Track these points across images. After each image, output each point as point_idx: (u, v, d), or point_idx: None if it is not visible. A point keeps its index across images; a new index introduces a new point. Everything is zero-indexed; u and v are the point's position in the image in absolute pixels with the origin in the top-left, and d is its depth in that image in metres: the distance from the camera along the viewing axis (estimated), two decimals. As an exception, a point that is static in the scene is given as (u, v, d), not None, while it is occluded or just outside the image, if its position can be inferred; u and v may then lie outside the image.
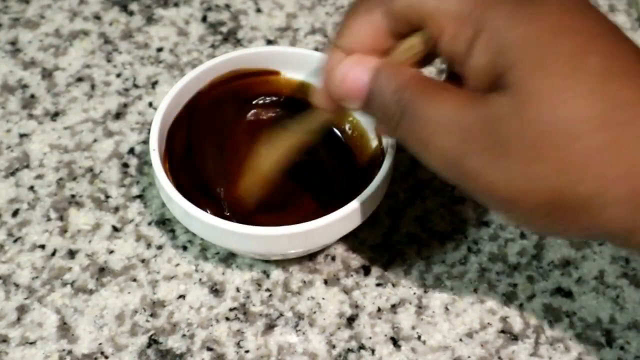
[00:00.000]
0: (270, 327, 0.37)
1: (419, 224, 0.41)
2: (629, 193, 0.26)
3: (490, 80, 0.27)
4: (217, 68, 0.40)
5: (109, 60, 0.48)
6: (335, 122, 0.40)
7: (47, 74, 0.47)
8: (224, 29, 0.50)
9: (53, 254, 0.39)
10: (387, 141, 0.37)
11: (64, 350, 0.36)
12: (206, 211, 0.35)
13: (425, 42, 0.29)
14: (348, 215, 0.35)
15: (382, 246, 0.40)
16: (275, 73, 0.42)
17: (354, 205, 0.35)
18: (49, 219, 0.40)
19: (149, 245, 0.40)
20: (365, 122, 0.40)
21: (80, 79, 0.47)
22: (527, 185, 0.26)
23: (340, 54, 0.31)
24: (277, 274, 0.39)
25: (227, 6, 0.51)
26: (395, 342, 0.37)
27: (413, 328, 0.37)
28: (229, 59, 0.40)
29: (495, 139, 0.26)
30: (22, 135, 0.44)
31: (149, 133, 0.44)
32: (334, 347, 0.36)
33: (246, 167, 0.38)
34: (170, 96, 0.39)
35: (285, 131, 0.37)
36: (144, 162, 0.43)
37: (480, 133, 0.27)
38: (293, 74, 0.42)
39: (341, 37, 0.31)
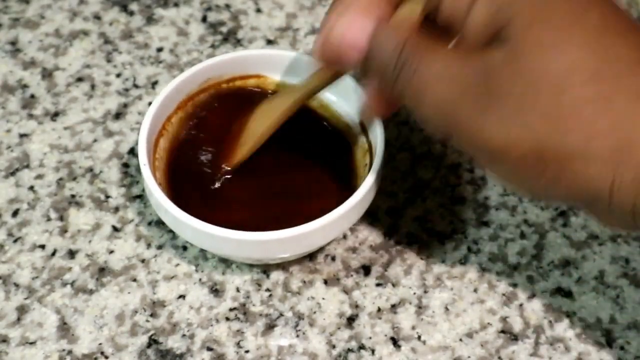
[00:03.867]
0: (270, 327, 0.37)
1: (419, 224, 0.41)
2: (613, 147, 0.26)
3: (488, 36, 0.28)
4: (194, 78, 0.41)
5: (109, 60, 0.48)
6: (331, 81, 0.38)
7: (47, 74, 0.47)
8: (224, 29, 0.50)
9: (53, 254, 0.39)
10: (375, 141, 0.38)
11: (64, 350, 0.36)
12: (204, 218, 0.35)
13: (425, 6, 0.30)
14: (341, 217, 0.35)
15: (382, 246, 0.40)
16: (260, 77, 0.42)
17: (347, 205, 0.35)
18: (49, 219, 0.40)
19: (149, 245, 0.40)
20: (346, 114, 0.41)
21: (80, 79, 0.47)
22: (516, 134, 0.27)
23: (336, 15, 0.31)
24: (277, 274, 0.39)
25: (227, 6, 0.51)
26: (395, 342, 0.37)
27: (413, 328, 0.37)
28: (205, 67, 0.41)
29: (489, 88, 0.27)
30: (22, 135, 0.44)
31: (149, 133, 0.44)
32: (334, 347, 0.36)
33: (241, 131, 0.39)
34: (156, 104, 0.39)
35: (282, 94, 0.37)
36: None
37: (474, 84, 0.27)
38: (279, 77, 0.42)
39: (339, 1, 0.31)
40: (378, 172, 0.36)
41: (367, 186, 0.36)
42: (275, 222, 0.35)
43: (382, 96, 0.34)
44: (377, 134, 0.38)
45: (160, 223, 0.40)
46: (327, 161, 0.40)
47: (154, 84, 0.47)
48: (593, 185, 0.27)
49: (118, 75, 0.47)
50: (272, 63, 0.42)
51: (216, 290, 0.38)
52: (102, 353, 0.36)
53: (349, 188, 0.37)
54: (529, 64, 0.26)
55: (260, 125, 0.39)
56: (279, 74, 0.42)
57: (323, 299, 0.38)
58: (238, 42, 0.49)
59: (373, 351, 0.36)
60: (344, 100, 0.41)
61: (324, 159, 0.40)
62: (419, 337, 0.37)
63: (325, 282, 0.39)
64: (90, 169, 0.42)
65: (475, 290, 0.38)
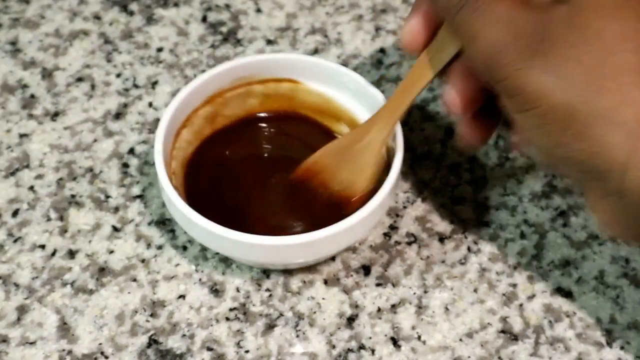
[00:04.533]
0: (270, 327, 0.37)
1: (419, 224, 0.41)
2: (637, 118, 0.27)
3: None
4: (230, 72, 0.40)
5: (109, 60, 0.48)
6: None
7: (47, 74, 0.47)
8: (224, 29, 0.50)
9: (53, 254, 0.39)
10: (393, 152, 0.37)
11: (64, 350, 0.36)
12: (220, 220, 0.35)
13: None
14: (353, 226, 0.35)
15: (382, 246, 0.40)
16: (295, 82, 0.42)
17: (359, 215, 0.35)
18: (49, 219, 0.40)
19: (149, 245, 0.40)
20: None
21: (80, 79, 0.47)
22: (554, 82, 0.28)
23: None
24: (277, 274, 0.39)
25: (227, 6, 0.51)
26: (395, 342, 0.37)
27: (413, 328, 0.37)
28: (238, 65, 0.41)
29: (543, 38, 0.28)
30: (22, 135, 0.44)
31: (149, 133, 0.44)
32: (334, 347, 0.36)
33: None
34: (182, 95, 0.39)
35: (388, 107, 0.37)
36: (144, 162, 0.43)
37: (530, 31, 0.29)
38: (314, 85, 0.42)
39: None
40: (395, 182, 0.36)
41: (382, 196, 0.35)
42: (290, 228, 0.35)
43: (477, 124, 0.35)
44: (397, 145, 0.37)
45: (160, 223, 0.40)
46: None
47: (154, 84, 0.47)
48: (611, 153, 0.28)
49: (118, 75, 0.47)
50: (308, 70, 0.41)
51: (216, 290, 0.38)
52: (102, 353, 0.36)
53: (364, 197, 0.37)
54: (587, 22, 0.28)
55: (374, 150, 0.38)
56: (314, 82, 0.41)
57: (323, 299, 0.38)
58: (238, 42, 0.49)
59: (373, 351, 0.36)
60: (363, 107, 0.41)
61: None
62: (419, 337, 0.37)
63: (325, 282, 0.39)
64: (90, 169, 0.42)
65: (475, 290, 0.38)
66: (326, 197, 0.38)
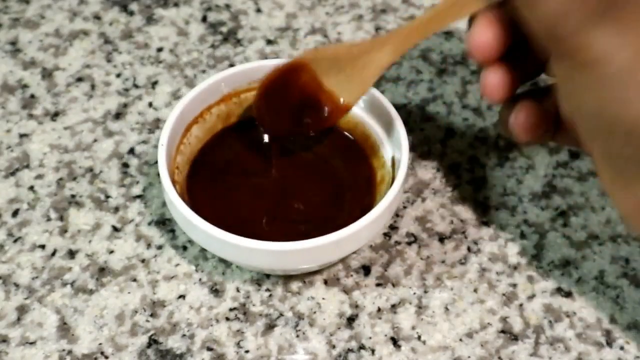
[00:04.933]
0: (270, 327, 0.37)
1: (419, 224, 0.41)
2: None
3: None
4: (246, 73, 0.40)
5: (109, 60, 0.48)
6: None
7: (47, 74, 0.47)
8: (224, 29, 0.50)
9: (53, 254, 0.39)
10: (399, 157, 0.37)
11: (64, 350, 0.36)
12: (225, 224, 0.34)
13: None
14: (356, 232, 0.35)
15: (382, 246, 0.40)
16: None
17: (363, 221, 0.35)
18: (49, 219, 0.40)
19: (149, 245, 0.40)
20: (378, 132, 0.40)
21: (80, 79, 0.47)
22: (620, 45, 0.28)
23: None
24: (277, 274, 0.39)
25: (227, 6, 0.51)
26: (395, 342, 0.37)
27: (413, 328, 0.37)
28: (257, 67, 0.40)
29: (611, 4, 0.28)
30: (22, 135, 0.44)
31: (149, 133, 0.44)
32: (334, 347, 0.36)
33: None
34: (191, 94, 0.39)
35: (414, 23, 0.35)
36: (144, 162, 0.43)
37: None
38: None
39: None
40: (400, 188, 0.36)
41: (387, 201, 0.35)
42: (291, 233, 0.35)
43: (502, 73, 0.34)
44: (402, 151, 0.37)
45: (160, 223, 0.40)
46: (348, 173, 0.40)
47: (154, 84, 0.47)
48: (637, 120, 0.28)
49: (118, 75, 0.47)
50: None
51: (216, 290, 0.38)
52: (102, 353, 0.36)
53: (370, 200, 0.37)
54: None
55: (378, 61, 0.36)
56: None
57: (323, 299, 0.38)
58: (238, 42, 0.49)
59: (373, 351, 0.36)
60: (375, 117, 0.40)
61: (345, 170, 0.40)
62: (419, 337, 0.37)
63: (325, 282, 0.39)
64: (90, 169, 0.43)
65: (475, 290, 0.38)
66: (313, 94, 0.37)
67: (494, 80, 0.34)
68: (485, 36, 0.33)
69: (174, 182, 0.36)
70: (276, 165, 0.40)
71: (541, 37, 0.31)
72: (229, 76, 0.40)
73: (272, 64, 0.40)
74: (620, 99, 0.29)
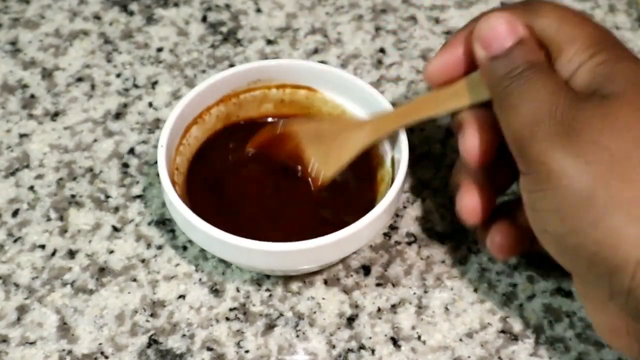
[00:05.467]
0: (270, 327, 0.37)
1: (419, 224, 0.41)
2: None
3: (591, 90, 0.30)
4: (241, 75, 0.40)
5: (109, 60, 0.48)
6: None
7: (47, 74, 0.47)
8: (224, 29, 0.50)
9: (53, 254, 0.39)
10: (399, 157, 0.37)
11: (64, 350, 0.36)
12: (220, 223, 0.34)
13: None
14: (357, 232, 0.34)
15: (382, 246, 0.40)
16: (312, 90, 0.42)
17: (362, 222, 0.35)
18: (49, 219, 0.40)
19: (149, 245, 0.40)
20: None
21: (80, 79, 0.47)
22: (579, 166, 0.28)
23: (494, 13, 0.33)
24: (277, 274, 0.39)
25: (227, 6, 0.51)
26: (395, 342, 0.37)
27: (413, 328, 0.37)
28: (256, 67, 0.40)
29: (575, 122, 0.29)
30: (22, 135, 0.44)
31: (149, 133, 0.44)
32: (334, 347, 0.36)
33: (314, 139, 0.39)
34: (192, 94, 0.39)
35: (394, 113, 0.37)
36: (144, 162, 0.43)
37: (565, 113, 0.29)
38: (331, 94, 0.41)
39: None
40: (400, 188, 0.36)
41: (387, 201, 0.35)
42: (291, 234, 0.35)
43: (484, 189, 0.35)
44: (402, 151, 0.37)
45: (160, 223, 0.40)
46: (347, 173, 0.40)
47: (154, 84, 0.47)
48: (626, 247, 0.27)
49: (118, 75, 0.47)
50: (328, 80, 0.41)
51: (216, 290, 0.38)
52: (102, 353, 0.36)
53: (370, 200, 0.37)
54: (619, 114, 0.29)
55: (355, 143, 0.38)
56: (331, 92, 0.41)
57: (323, 299, 0.38)
58: (238, 42, 0.49)
59: (373, 351, 0.36)
60: (369, 113, 0.40)
61: (345, 170, 0.40)
62: (419, 337, 0.37)
63: (325, 282, 0.39)
64: (90, 169, 0.43)
65: (475, 290, 0.38)
66: (296, 160, 0.39)
67: (470, 203, 0.35)
68: (475, 142, 0.34)
69: (173, 183, 0.36)
70: (276, 165, 0.40)
71: (511, 146, 0.31)
72: (228, 77, 0.40)
73: (272, 64, 0.40)
74: (580, 229, 0.29)
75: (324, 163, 0.38)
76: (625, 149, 0.28)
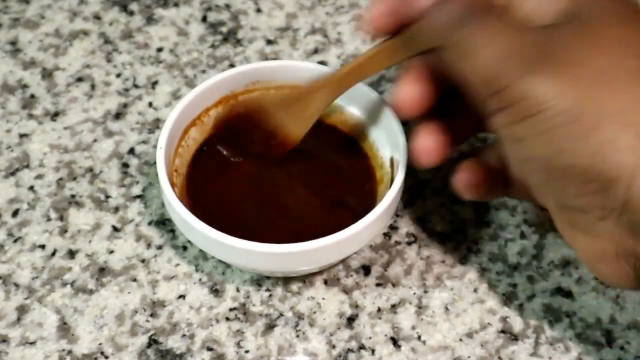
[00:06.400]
0: (270, 327, 0.37)
1: (419, 224, 0.41)
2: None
3: (554, 19, 0.30)
4: (239, 76, 0.40)
5: (109, 60, 0.48)
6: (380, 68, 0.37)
7: (47, 74, 0.47)
8: (224, 29, 0.50)
9: (53, 254, 0.39)
10: (398, 157, 0.37)
11: (64, 350, 0.36)
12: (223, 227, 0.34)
13: None
14: (357, 233, 0.34)
15: (382, 246, 0.40)
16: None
17: (363, 222, 0.34)
18: (49, 219, 0.40)
19: (149, 245, 0.40)
20: (381, 139, 0.40)
21: (80, 79, 0.47)
22: (561, 86, 0.28)
23: None
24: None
25: (227, 6, 0.51)
26: (395, 342, 0.37)
27: (413, 328, 0.37)
28: (255, 68, 0.40)
29: (547, 48, 0.29)
30: (22, 135, 0.44)
31: (149, 133, 0.44)
32: (334, 347, 0.36)
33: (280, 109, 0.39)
34: (191, 96, 0.39)
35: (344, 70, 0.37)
36: (144, 162, 0.43)
37: (533, 44, 0.29)
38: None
39: None
40: (399, 188, 0.36)
41: (387, 202, 0.35)
42: (290, 235, 0.35)
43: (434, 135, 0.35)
44: (401, 152, 0.37)
45: (160, 223, 0.40)
46: (347, 174, 0.40)
47: (154, 84, 0.47)
48: (619, 156, 0.27)
49: (118, 75, 0.47)
50: None
51: (216, 290, 0.38)
52: (102, 353, 0.36)
53: (370, 201, 0.37)
54: (594, 30, 0.28)
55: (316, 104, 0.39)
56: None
57: (323, 299, 0.38)
58: (238, 42, 0.49)
59: (373, 351, 0.36)
60: (374, 123, 0.40)
61: (344, 171, 0.40)
62: (419, 337, 0.37)
63: (325, 282, 0.39)
64: (90, 169, 0.43)
65: (475, 290, 0.38)
66: (266, 126, 0.40)
67: (425, 144, 0.35)
68: (410, 92, 0.34)
69: (172, 185, 0.36)
70: (275, 166, 0.40)
71: (478, 90, 0.30)
72: (226, 79, 0.40)
73: (270, 65, 0.40)
74: (569, 148, 0.28)
75: (295, 124, 0.39)
76: (610, 64, 0.28)
